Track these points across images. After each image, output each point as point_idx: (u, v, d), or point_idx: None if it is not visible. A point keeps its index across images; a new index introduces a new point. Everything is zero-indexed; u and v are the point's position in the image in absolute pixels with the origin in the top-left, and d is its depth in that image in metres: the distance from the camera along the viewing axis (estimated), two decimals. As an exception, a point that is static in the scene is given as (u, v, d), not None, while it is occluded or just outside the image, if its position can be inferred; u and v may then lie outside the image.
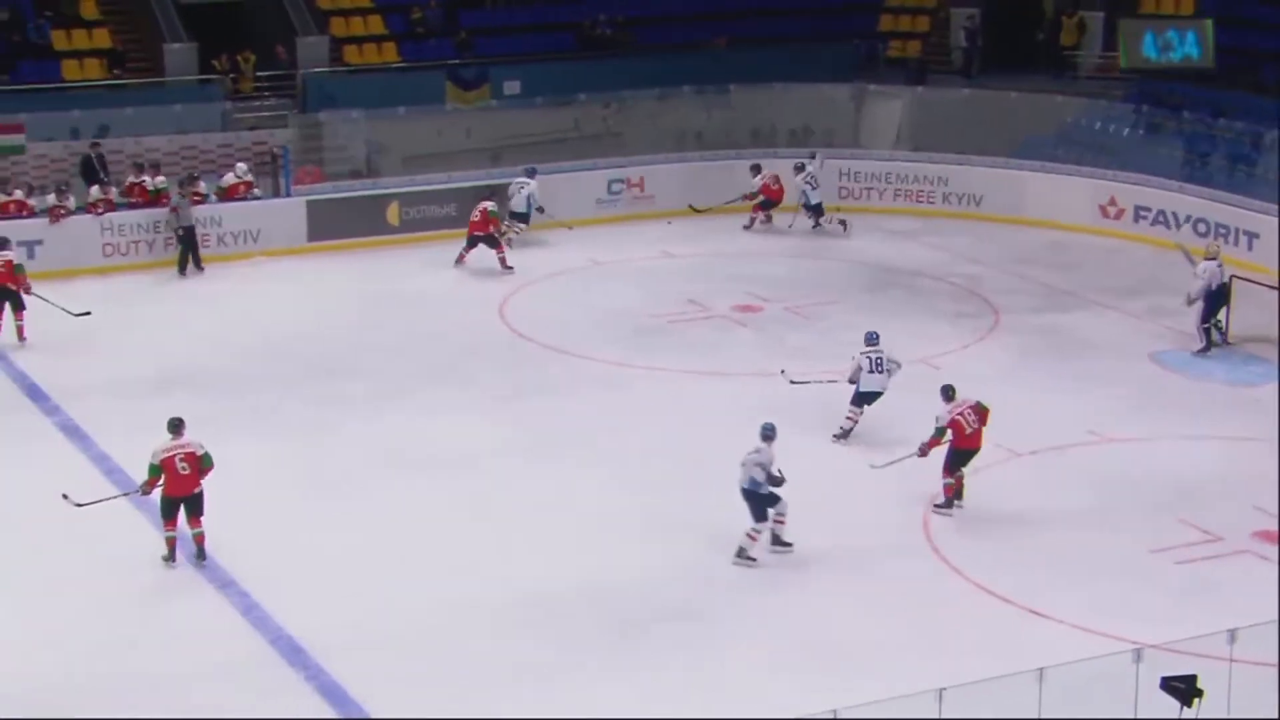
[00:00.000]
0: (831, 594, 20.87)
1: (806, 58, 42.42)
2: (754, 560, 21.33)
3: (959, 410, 22.63)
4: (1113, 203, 36.82)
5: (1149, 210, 36.37)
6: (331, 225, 36.48)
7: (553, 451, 25.32)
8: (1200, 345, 29.00)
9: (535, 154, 38.77)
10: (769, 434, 21.49)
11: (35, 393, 27.87)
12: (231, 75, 40.30)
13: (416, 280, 34.29)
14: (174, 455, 21.19)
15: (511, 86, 41.38)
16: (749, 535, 21.36)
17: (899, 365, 25.29)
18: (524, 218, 36.41)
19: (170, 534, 21.38)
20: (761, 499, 21.30)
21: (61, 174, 35.77)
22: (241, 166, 36.25)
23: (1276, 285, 29.56)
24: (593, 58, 42.84)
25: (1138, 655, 15.61)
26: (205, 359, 29.07)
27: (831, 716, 14.53)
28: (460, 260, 34.69)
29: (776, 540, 21.62)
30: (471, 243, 34.64)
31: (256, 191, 36.25)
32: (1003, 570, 21.37)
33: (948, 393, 22.96)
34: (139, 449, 24.12)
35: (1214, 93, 38.88)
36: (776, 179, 37.41)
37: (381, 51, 42.21)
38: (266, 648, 19.63)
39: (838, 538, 22.15)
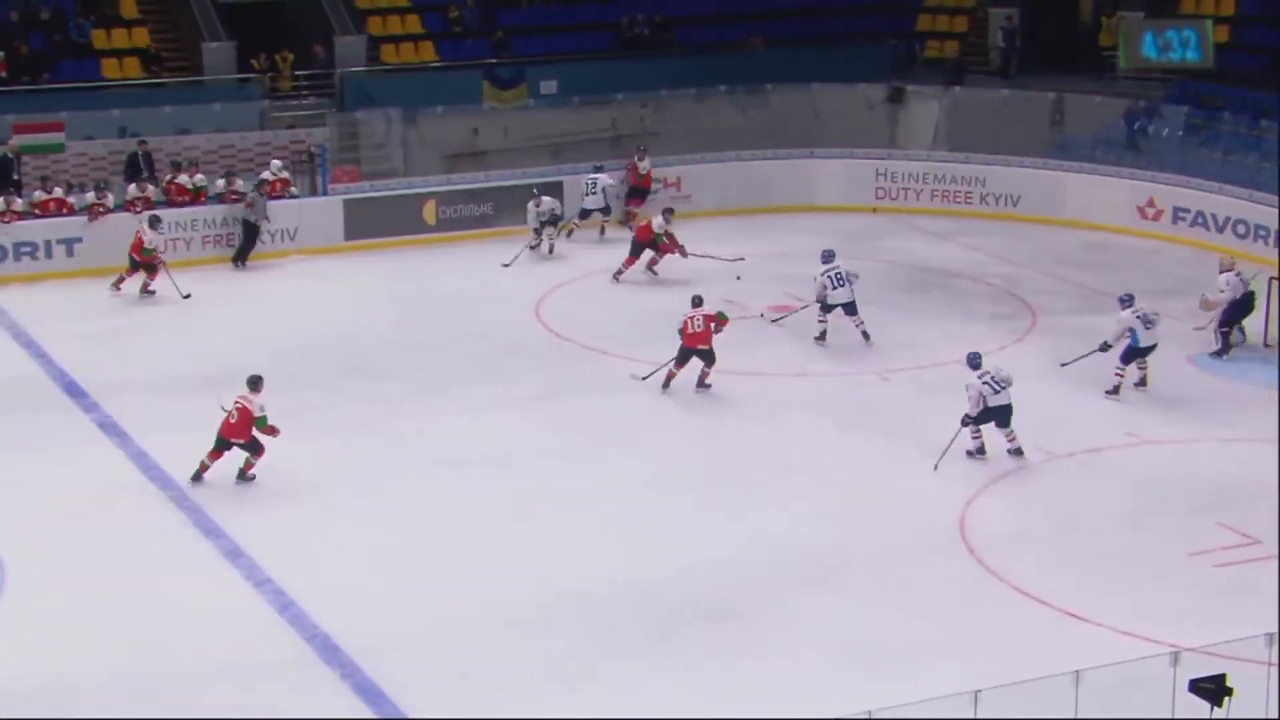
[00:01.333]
0: (869, 595, 20.85)
1: (844, 58, 42.46)
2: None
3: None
4: (1151, 204, 36.73)
5: (1188, 211, 36.28)
6: (368, 224, 36.54)
7: (591, 451, 25.41)
8: (1217, 347, 28.94)
9: (573, 154, 38.91)
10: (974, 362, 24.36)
11: (74, 389, 27.92)
12: (270, 74, 40.46)
13: (453, 279, 34.30)
14: (236, 405, 23.45)
15: (548, 86, 41.43)
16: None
17: (858, 276, 29.13)
18: (605, 210, 36.97)
19: (205, 460, 23.70)
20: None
21: (101, 172, 35.87)
22: (276, 164, 36.21)
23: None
24: (630, 57, 42.98)
25: (1175, 658, 15.55)
26: (243, 357, 29.01)
27: (866, 717, 14.55)
28: (625, 270, 34.02)
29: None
30: (636, 250, 34.11)
31: (293, 190, 36.28)
32: (1040, 572, 21.34)
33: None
34: (176, 446, 24.51)
35: (1256, 94, 38.83)
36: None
37: (419, 51, 42.35)
38: (303, 646, 19.68)
39: (877, 538, 22.20)
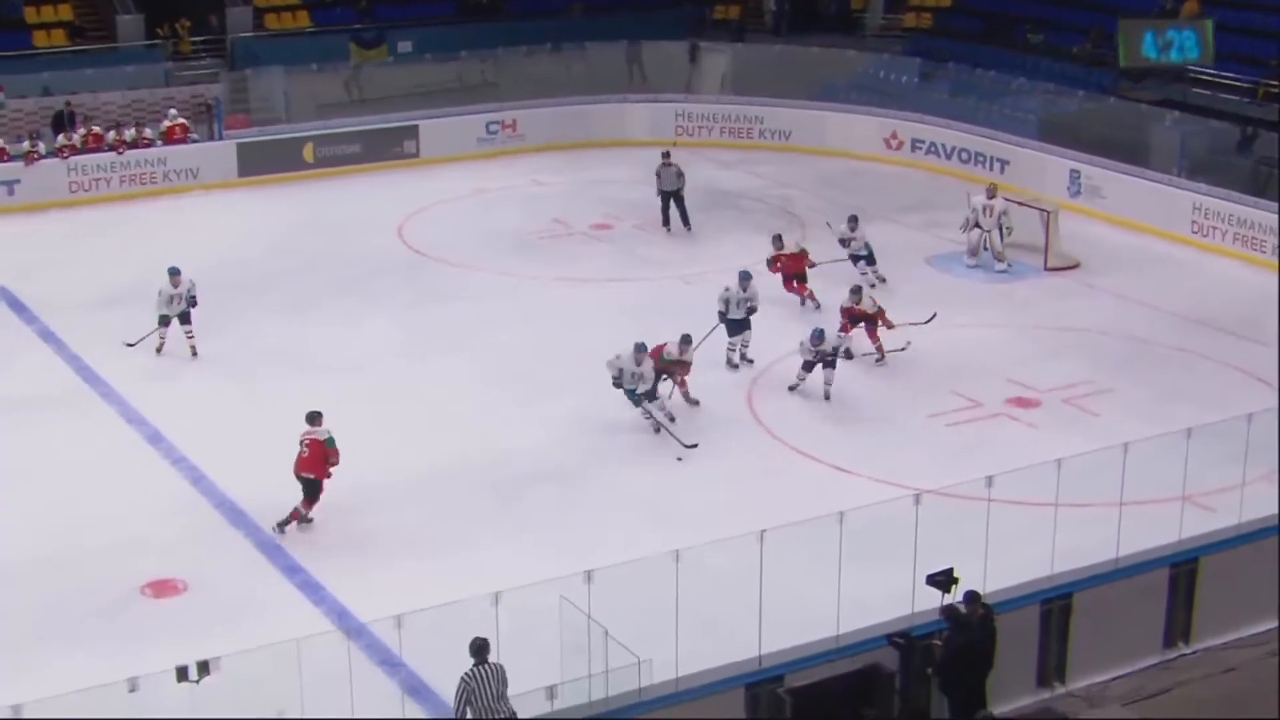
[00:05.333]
0: (672, 468, 21.05)
1: (648, 20, 42.74)
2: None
3: None
4: (895, 136, 37.22)
5: (923, 142, 36.87)
6: (258, 163, 36.03)
7: (444, 350, 25.30)
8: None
9: (424, 101, 38.61)
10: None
11: (16, 305, 27.58)
12: (172, 40, 39.78)
13: (329, 209, 33.92)
14: (305, 441, 19.29)
15: (404, 46, 41.10)
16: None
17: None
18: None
19: (299, 509, 19.39)
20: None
21: (34, 125, 35.18)
22: (172, 111, 35.86)
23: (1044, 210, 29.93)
24: (473, 21, 42.68)
25: (917, 499, 15.90)
26: (152, 275, 28.72)
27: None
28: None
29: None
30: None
31: (193, 135, 35.82)
32: (812, 438, 21.78)
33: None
34: (101, 352, 24.56)
35: (974, 47, 39.58)
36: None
37: (296, 18, 41.82)
38: (213, 512, 19.72)
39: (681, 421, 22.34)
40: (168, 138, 35.39)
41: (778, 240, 27.02)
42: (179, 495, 20.29)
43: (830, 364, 22.87)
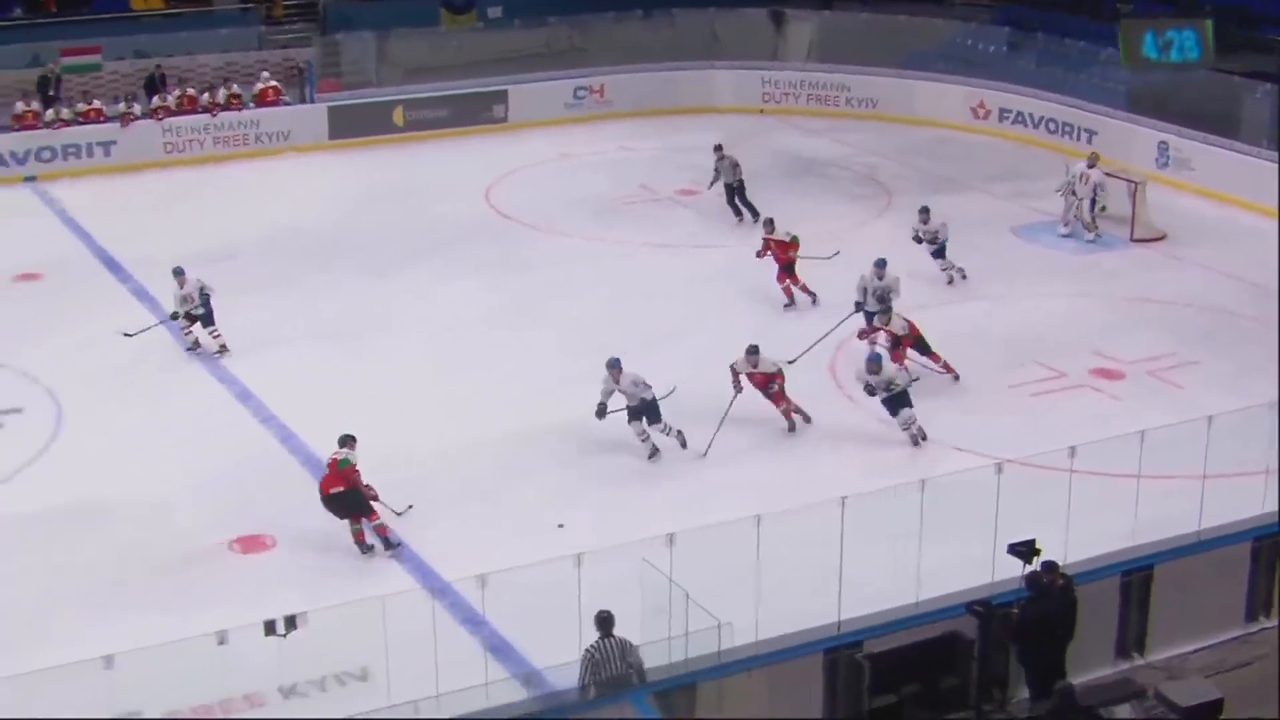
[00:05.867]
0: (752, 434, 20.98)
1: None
2: None
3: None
4: (982, 105, 36.91)
5: (1010, 111, 36.53)
6: (348, 126, 36.28)
7: (528, 312, 25.30)
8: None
9: (512, 67, 38.63)
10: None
11: (111, 264, 27.87)
12: (266, 4, 39.97)
13: (417, 172, 34.08)
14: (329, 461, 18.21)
15: (494, 11, 41.04)
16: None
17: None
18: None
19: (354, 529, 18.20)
20: None
21: (130, 87, 35.48)
22: (265, 74, 36.16)
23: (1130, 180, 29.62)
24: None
25: (999, 468, 15.80)
26: (246, 234, 29.13)
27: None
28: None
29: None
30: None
31: (285, 98, 36.10)
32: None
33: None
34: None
35: (1063, 16, 39.10)
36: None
37: (387, -18, 41.97)
38: (298, 466, 19.86)
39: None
40: (260, 100, 35.69)
41: (768, 224, 25.74)
42: (268, 453, 20.47)
43: (897, 401, 20.40)
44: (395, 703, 13.51)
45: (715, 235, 28.96)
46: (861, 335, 22.46)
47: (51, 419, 21.53)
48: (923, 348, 22.22)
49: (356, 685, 15.15)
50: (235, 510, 18.86)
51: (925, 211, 26.23)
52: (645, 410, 20.03)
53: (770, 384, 20.68)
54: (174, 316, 23.61)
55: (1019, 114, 36.35)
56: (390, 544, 17.94)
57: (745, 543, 14.63)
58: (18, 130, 33.65)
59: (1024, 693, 14.86)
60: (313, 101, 36.54)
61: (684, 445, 20.22)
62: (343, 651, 15.14)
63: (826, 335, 22.95)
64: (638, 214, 30.58)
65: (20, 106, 33.91)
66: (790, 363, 21.38)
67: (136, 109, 34.42)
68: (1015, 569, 14.75)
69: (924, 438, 20.37)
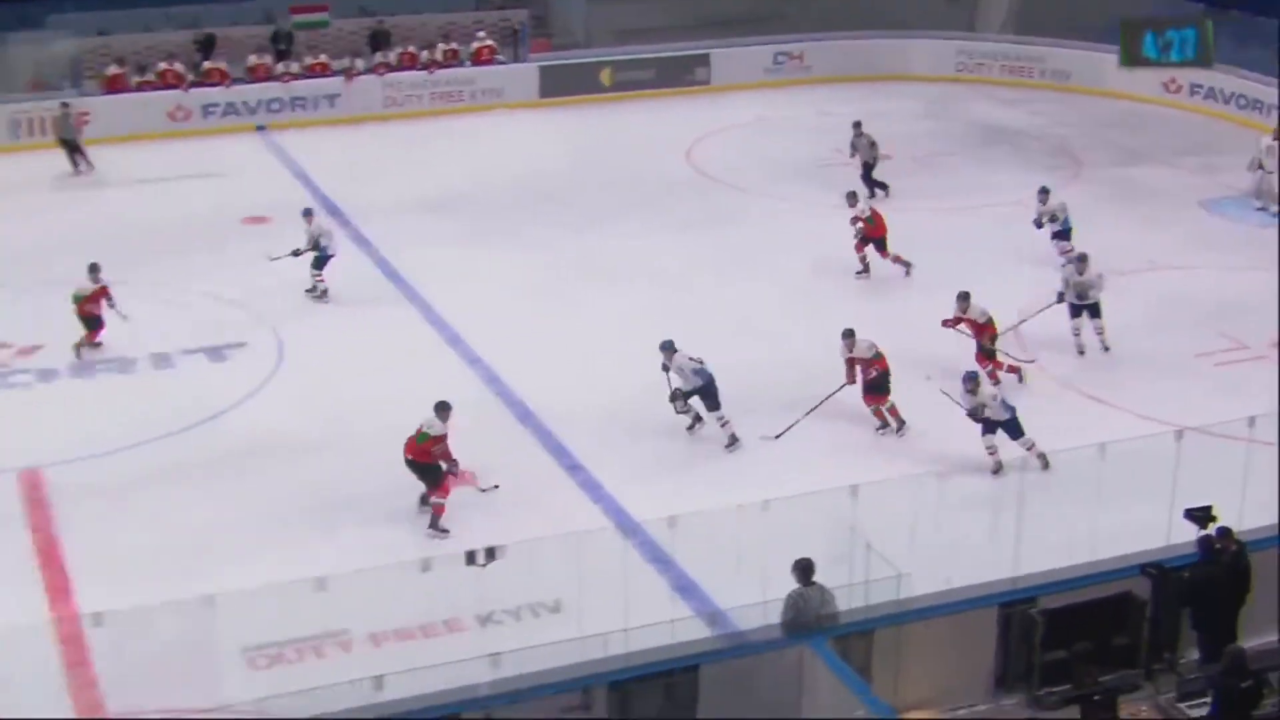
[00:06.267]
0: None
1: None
2: None
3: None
4: (1173, 80, 35.91)
5: (1201, 86, 35.51)
6: (558, 85, 36.52)
7: (726, 268, 25.33)
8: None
9: (716, 31, 38.46)
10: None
11: (333, 209, 28.28)
12: (484, -34, 40.39)
13: (622, 131, 34.22)
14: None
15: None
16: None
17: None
18: None
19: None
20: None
21: (356, 44, 36.10)
22: (481, 34, 36.47)
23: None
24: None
25: (1179, 435, 15.58)
26: (462, 186, 29.50)
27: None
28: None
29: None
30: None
31: (500, 57, 36.43)
32: (1074, 368, 21.35)
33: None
34: (414, 253, 25.02)
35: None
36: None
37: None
38: (503, 409, 20.12)
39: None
40: (476, 59, 36.07)
41: (851, 197, 25.03)
42: (473, 394, 20.67)
43: (990, 429, 18.33)
44: (585, 634, 13.64)
45: (906, 199, 28.64)
46: (946, 324, 20.78)
47: (273, 354, 22.09)
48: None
49: (549, 616, 15.37)
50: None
51: (1045, 192, 25.19)
52: (700, 393, 19.26)
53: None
54: (295, 253, 23.93)
55: (1210, 89, 35.31)
56: (436, 525, 17.22)
57: (926, 497, 14.58)
58: (251, 82, 34.46)
59: (1194, 654, 14.58)
60: (525, 61, 36.79)
61: (731, 443, 19.19)
62: (538, 584, 15.37)
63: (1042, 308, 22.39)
64: (832, 178, 30.29)
65: (253, 60, 34.76)
66: (876, 354, 19.68)
67: (359, 65, 35.07)
68: (1191, 534, 14.49)
69: (1046, 465, 17.90)
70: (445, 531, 17.15)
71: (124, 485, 18.43)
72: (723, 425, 19.16)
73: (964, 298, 20.54)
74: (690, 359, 19.18)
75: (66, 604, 16.13)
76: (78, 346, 21.75)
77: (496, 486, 17.96)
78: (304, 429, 19.60)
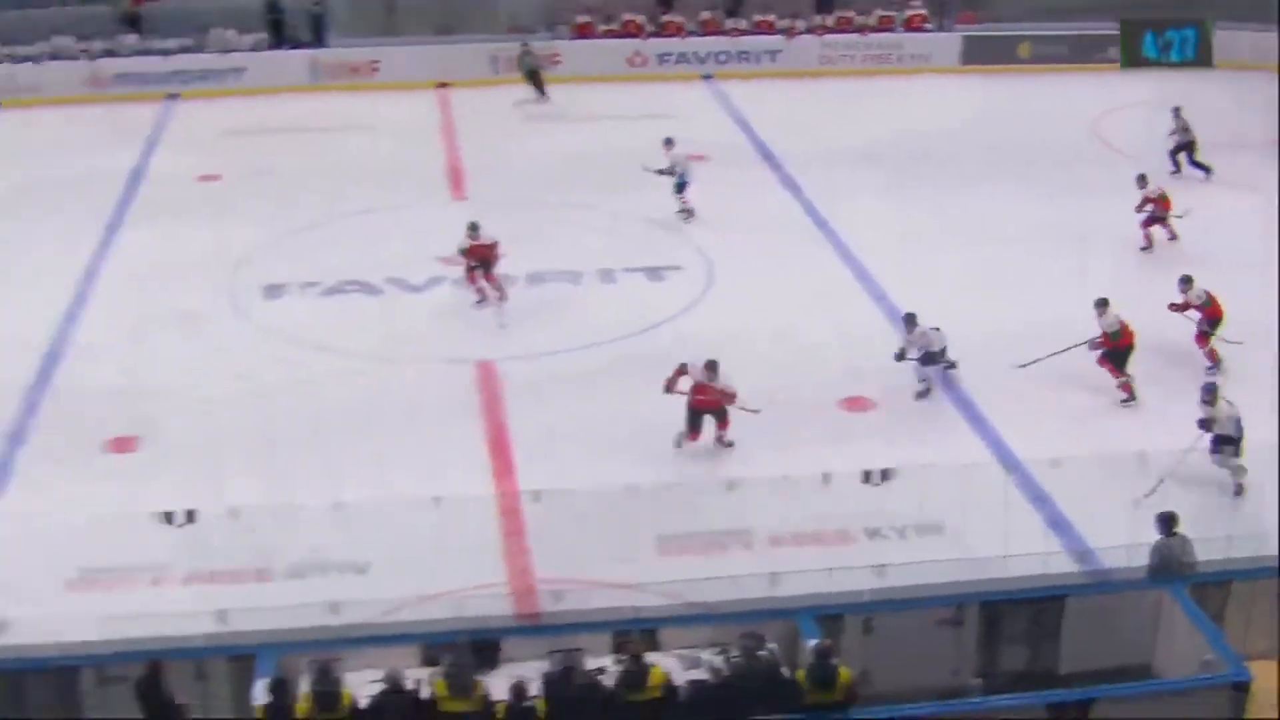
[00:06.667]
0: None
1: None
2: None
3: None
4: None
5: None
6: (979, 55, 36.71)
7: (1085, 237, 24.05)
8: None
9: (1131, 13, 36.22)
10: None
11: (766, 153, 29.53)
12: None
13: (1036, 102, 33.82)
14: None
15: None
16: None
17: None
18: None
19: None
20: None
21: (800, 5, 36.45)
22: (915, 1, 36.78)
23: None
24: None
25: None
26: (879, 142, 30.01)
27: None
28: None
29: None
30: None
31: (929, 25, 37.02)
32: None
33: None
34: (832, 204, 25.90)
35: None
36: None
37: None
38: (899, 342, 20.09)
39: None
40: (907, 25, 36.82)
41: (1141, 179, 24.54)
42: (875, 327, 21.19)
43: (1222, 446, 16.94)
44: (964, 557, 14.37)
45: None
46: (1173, 308, 20.05)
47: (703, 277, 23.38)
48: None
49: (931, 537, 15.94)
50: (844, 375, 19.79)
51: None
52: (934, 361, 19.42)
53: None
54: (659, 172, 25.19)
55: None
56: (723, 440, 17.93)
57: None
58: (702, 35, 35.97)
59: None
60: (951, 31, 37.22)
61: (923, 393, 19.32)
62: (923, 507, 16.12)
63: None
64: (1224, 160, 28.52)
65: (706, 15, 36.18)
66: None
67: (801, 25, 36.18)
68: None
69: (1239, 492, 16.92)
70: (730, 444, 17.86)
71: (568, 381, 19.66)
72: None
73: (1185, 281, 20.04)
74: (932, 328, 19.37)
75: (509, 481, 17.30)
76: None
77: (758, 410, 17.90)
78: (730, 342, 19.80)
